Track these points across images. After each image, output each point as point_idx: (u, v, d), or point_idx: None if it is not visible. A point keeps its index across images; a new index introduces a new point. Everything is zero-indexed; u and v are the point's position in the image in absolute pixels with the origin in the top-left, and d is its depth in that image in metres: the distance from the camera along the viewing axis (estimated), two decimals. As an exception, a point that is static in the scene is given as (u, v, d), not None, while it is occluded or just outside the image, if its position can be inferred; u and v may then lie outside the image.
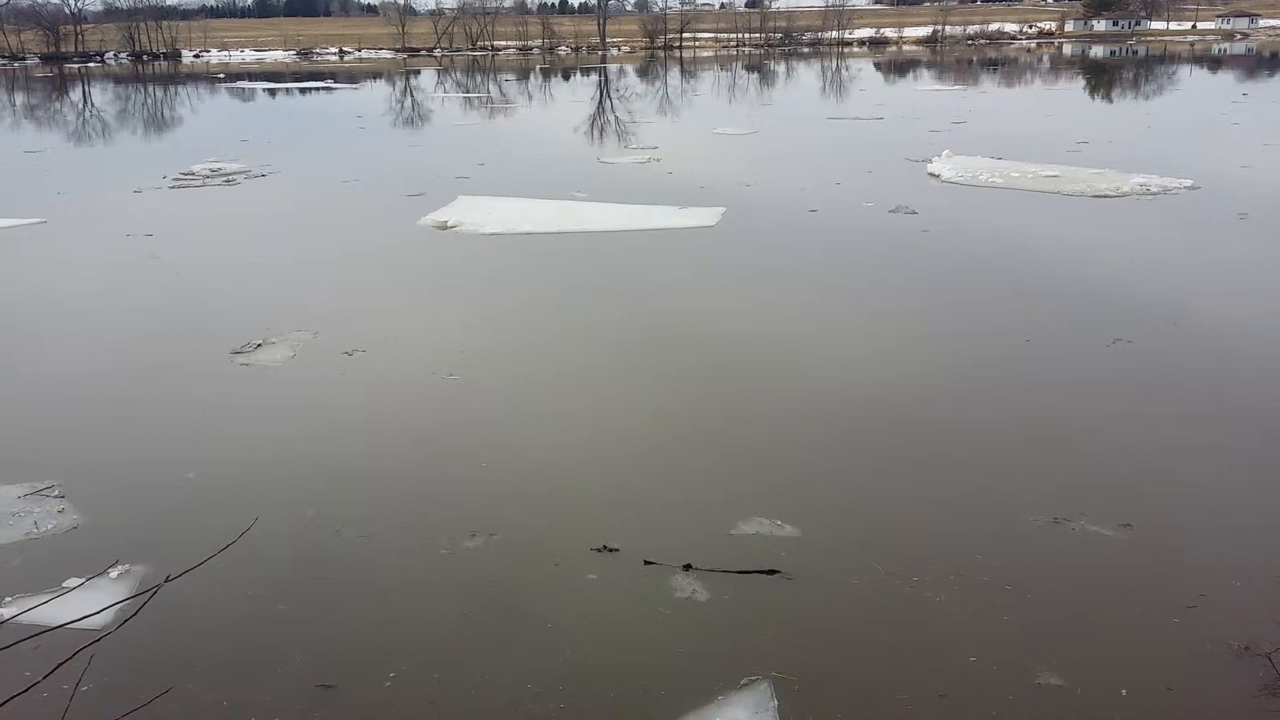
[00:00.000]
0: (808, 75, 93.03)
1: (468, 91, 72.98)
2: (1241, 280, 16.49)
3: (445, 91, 73.30)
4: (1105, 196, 24.15)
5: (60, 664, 3.19)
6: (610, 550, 8.00)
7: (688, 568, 7.72)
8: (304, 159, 34.08)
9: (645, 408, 11.29)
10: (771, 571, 7.65)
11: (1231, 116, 42.62)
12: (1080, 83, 76.07)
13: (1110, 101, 58.82)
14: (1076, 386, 11.68)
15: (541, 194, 25.31)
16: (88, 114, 55.37)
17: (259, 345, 13.41)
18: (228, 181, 27.80)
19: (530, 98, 67.01)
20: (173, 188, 26.99)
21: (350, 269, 18.12)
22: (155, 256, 19.06)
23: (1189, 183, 25.15)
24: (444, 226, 21.91)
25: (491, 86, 79.86)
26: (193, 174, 28.58)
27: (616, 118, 48.52)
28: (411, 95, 70.55)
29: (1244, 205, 22.67)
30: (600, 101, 61.52)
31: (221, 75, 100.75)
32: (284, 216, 23.40)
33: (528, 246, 20.01)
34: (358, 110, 54.52)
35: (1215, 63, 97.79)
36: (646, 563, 7.81)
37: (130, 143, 42.08)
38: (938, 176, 27.31)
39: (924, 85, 71.96)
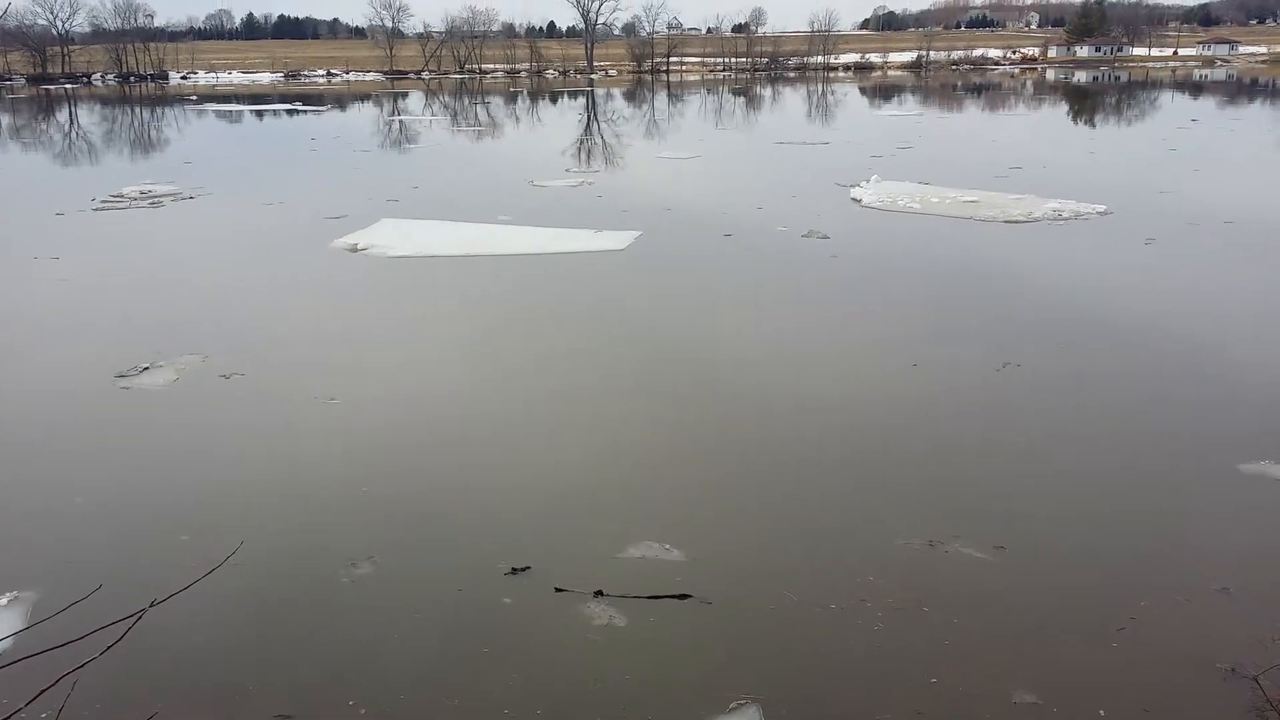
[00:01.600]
0: (781, 99, 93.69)
1: (432, 114, 73.33)
2: (1131, 305, 16.68)
3: (409, 114, 73.63)
4: (1016, 222, 24.41)
5: (43, 690, 3.15)
6: (519, 571, 8.03)
7: (598, 594, 7.70)
8: (239, 181, 34.27)
9: (527, 429, 11.37)
10: (683, 596, 7.67)
11: (1172, 142, 43.03)
12: (1042, 108, 76.66)
13: (1061, 127, 59.23)
14: (960, 411, 11.83)
15: (466, 217, 25.53)
16: (40, 136, 55.53)
17: (145, 369, 13.52)
18: (153, 204, 28.01)
19: (494, 120, 67.36)
20: (97, 210, 27.19)
21: (251, 292, 18.28)
22: (64, 279, 19.21)
23: (1102, 208, 25.43)
24: (354, 249, 22.10)
25: (460, 109, 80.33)
26: (121, 196, 28.80)
27: (566, 141, 48.83)
28: (374, 118, 70.85)
29: (1153, 230, 22.92)
30: (557, 125, 61.87)
31: (194, 97, 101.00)
32: (196, 239, 23.57)
33: (431, 270, 20.21)
34: (315, 133, 54.79)
35: (1189, 88, 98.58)
36: (557, 590, 7.75)
37: (71, 165, 42.27)
38: (859, 202, 27.57)
39: (886, 110, 72.35)
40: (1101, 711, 6.44)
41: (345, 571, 8.12)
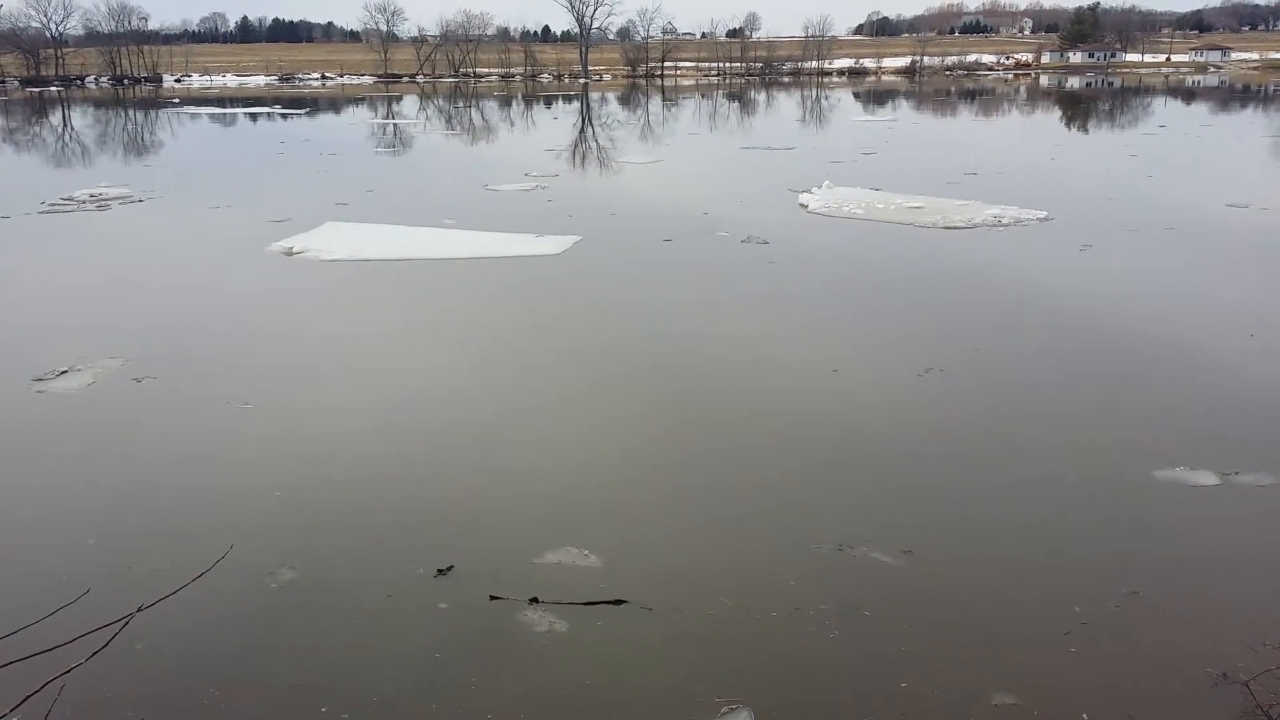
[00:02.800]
0: (765, 104, 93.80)
1: (412, 118, 73.37)
2: (1057, 311, 16.76)
3: (388, 118, 73.68)
4: (955, 228, 24.48)
5: (29, 696, 3.12)
6: (443, 572, 8.09)
7: (534, 601, 7.71)
8: (194, 185, 34.33)
9: (441, 434, 11.43)
10: (619, 602, 7.70)
11: (1135, 149, 43.13)
12: (1022, 113, 76.79)
13: (1031, 132, 59.29)
14: (880, 416, 11.90)
15: (411, 221, 25.63)
16: (6, 138, 55.53)
17: (63, 372, 13.57)
18: (100, 208, 28.12)
19: (470, 124, 67.43)
20: (43, 213, 27.29)
21: (179, 295, 18.32)
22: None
23: (1043, 214, 25.51)
24: (289, 253, 22.20)
25: (441, 113, 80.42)
26: (71, 200, 28.89)
27: (534, 145, 48.91)
28: (351, 122, 70.88)
29: (1091, 236, 23.00)
30: (531, 130, 61.94)
31: (176, 100, 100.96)
32: (134, 243, 23.69)
33: (360, 274, 20.30)
34: (287, 136, 54.88)
35: (1177, 94, 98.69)
36: (492, 598, 7.76)
37: (30, 167, 42.39)
38: (806, 208, 27.65)
39: (861, 116, 72.37)
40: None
41: (268, 580, 8.11)
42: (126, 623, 3.14)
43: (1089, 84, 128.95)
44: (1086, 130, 58.81)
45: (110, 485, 10.18)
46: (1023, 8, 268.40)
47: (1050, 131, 58.41)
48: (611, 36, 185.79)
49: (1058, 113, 76.01)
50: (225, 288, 18.92)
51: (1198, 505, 9.47)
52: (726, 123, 67.70)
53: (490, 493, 9.85)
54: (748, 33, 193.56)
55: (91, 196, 29.01)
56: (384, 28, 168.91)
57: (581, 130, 59.96)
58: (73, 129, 62.13)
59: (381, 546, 8.71)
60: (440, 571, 8.12)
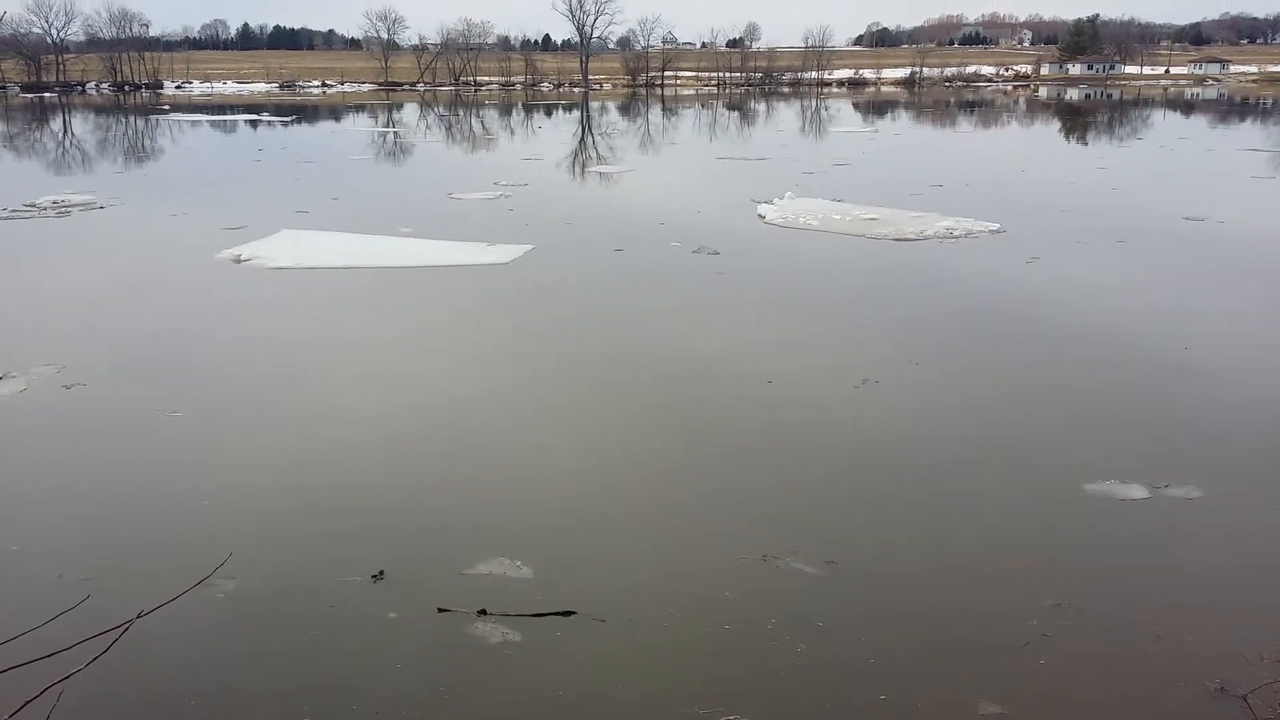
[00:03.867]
0: (757, 114, 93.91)
1: (397, 126, 73.50)
2: (996, 324, 16.92)
3: (376, 126, 73.82)
4: (906, 240, 24.57)
5: (28, 701, 3.12)
6: (377, 578, 8.21)
7: (482, 613, 7.76)
8: (160, 192, 34.53)
9: (366, 444, 11.51)
10: (568, 613, 7.74)
11: (1105, 161, 43.20)
12: (1007, 125, 76.80)
13: (1008, 144, 59.28)
14: (815, 427, 12.01)
15: (367, 229, 25.77)
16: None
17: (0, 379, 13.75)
18: (60, 214, 28.30)
19: (456, 132, 67.53)
20: (4, 219, 27.44)
21: (123, 303, 18.44)
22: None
23: (995, 226, 25.59)
24: (237, 260, 22.33)
25: (428, 122, 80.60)
26: (33, 206, 29.06)
27: (510, 154, 49.02)
28: (336, 130, 70.95)
29: (1041, 249, 23.08)
30: (512, 138, 62.01)
31: (166, 107, 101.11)
32: (88, 249, 23.86)
33: (304, 282, 20.44)
34: (267, 144, 54.98)
35: (1173, 107, 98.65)
36: (440, 610, 7.80)
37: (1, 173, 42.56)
38: (764, 218, 27.75)
39: (843, 126, 72.36)
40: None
41: (209, 586, 8.16)
42: (127, 629, 3.19)
43: (1087, 96, 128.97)
44: (1066, 142, 58.83)
45: (15, 493, 10.26)
46: (1022, 19, 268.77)
47: (1028, 143, 58.51)
48: (612, 46, 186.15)
49: (1042, 125, 76.11)
50: (166, 296, 19.04)
51: (1128, 517, 9.56)
52: (711, 132, 67.85)
53: (420, 503, 9.90)
54: (748, 43, 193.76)
55: (54, 203, 29.19)
56: (385, 35, 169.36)
57: (566, 139, 60.12)
58: (56, 135, 62.29)
59: (313, 555, 8.79)
60: (375, 577, 8.21)
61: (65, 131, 65.69)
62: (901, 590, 8.22)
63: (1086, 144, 57.06)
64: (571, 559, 8.73)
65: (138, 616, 3.42)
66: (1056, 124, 76.17)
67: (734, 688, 6.96)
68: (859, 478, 10.55)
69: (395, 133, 64.89)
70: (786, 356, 14.97)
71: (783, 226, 26.60)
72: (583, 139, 59.98)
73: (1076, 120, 79.51)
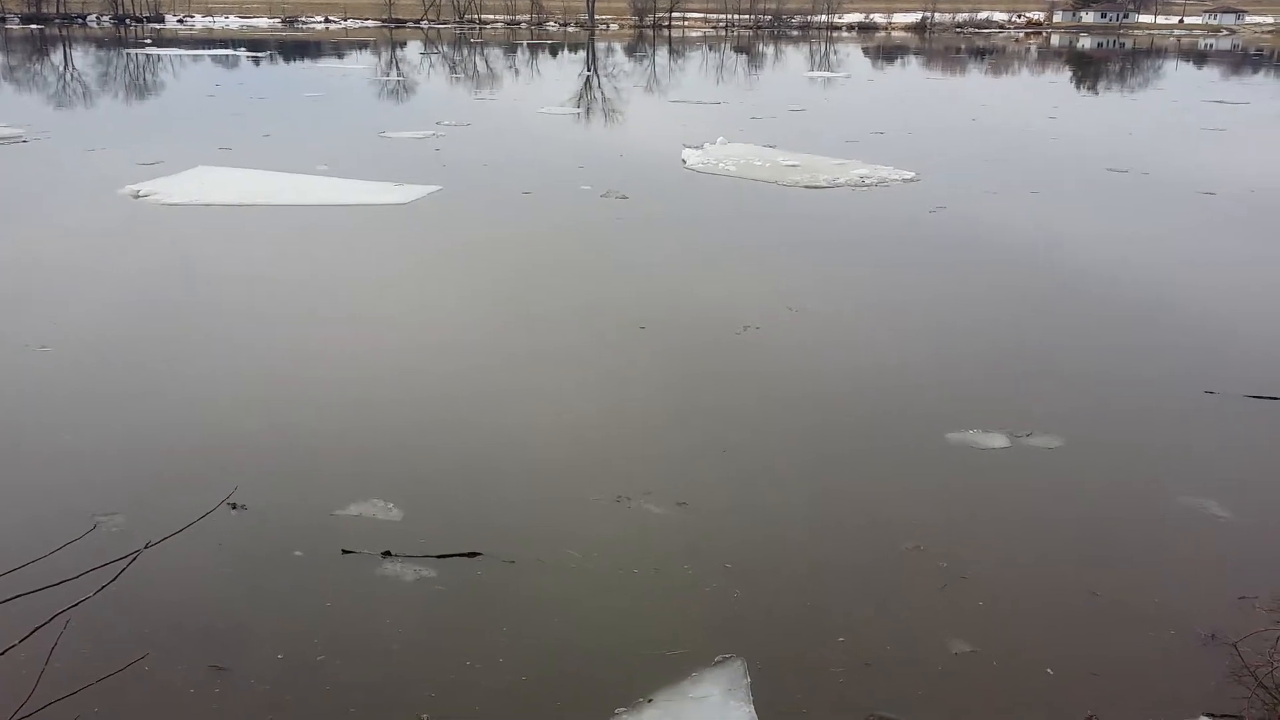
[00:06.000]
0: (751, 59, 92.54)
1: (373, 63, 72.53)
2: (879, 273, 16.91)
3: (351, 64, 72.81)
4: (817, 187, 24.37)
5: (36, 628, 3.17)
6: (237, 508, 8.30)
7: (387, 554, 7.87)
8: (90, 126, 34.36)
9: (224, 378, 11.64)
10: (473, 554, 7.88)
11: (1056, 111, 42.50)
12: (990, 72, 75.41)
13: (974, 92, 58.00)
14: (692, 374, 12.10)
15: (284, 167, 25.68)
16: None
17: None
18: (-22, 146, 28.29)
19: (426, 71, 66.50)
20: (-82, 151, 27.50)
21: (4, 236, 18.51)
22: None
23: (911, 175, 25.35)
24: (136, 196, 22.33)
25: (410, 60, 79.67)
26: (-45, 137, 29.08)
27: (463, 92, 48.37)
28: (305, 68, 70.02)
29: (950, 198, 22.88)
30: (479, 77, 61.18)
31: (149, 40, 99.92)
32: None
33: (191, 218, 20.50)
34: (228, 80, 54.33)
35: (1176, 57, 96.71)
36: (345, 551, 7.90)
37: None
38: (685, 163, 27.52)
39: (815, 72, 71.07)
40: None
41: (95, 524, 8.20)
42: (134, 559, 3.21)
43: (1100, 45, 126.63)
44: (1029, 90, 57.54)
45: None
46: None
47: (995, 92, 57.41)
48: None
49: (1029, 74, 74.69)
50: (51, 229, 19.13)
51: (982, 465, 9.76)
52: (684, 75, 66.79)
53: (282, 443, 10.01)
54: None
55: (-24, 136, 29.16)
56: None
57: (528, 80, 59.31)
58: (10, 69, 61.60)
59: (177, 493, 8.83)
60: (233, 506, 8.32)
61: (23, 65, 65.10)
62: (754, 533, 8.39)
63: (1048, 92, 55.99)
64: (439, 501, 8.84)
65: (145, 546, 3.44)
66: (1043, 73, 74.80)
67: (676, 624, 7.15)
68: (727, 423, 10.61)
69: (365, 70, 64.23)
70: (667, 302, 14.96)
71: (700, 172, 26.40)
72: (553, 79, 59.27)
73: (1066, 69, 78.09)
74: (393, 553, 7.86)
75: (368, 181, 24.09)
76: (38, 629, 3.14)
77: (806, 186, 24.37)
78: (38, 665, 3.47)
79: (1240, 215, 21.85)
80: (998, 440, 10.27)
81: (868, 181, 24.79)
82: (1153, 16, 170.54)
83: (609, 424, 10.67)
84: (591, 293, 15.47)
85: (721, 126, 34.69)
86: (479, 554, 7.87)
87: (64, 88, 47.75)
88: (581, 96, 46.21)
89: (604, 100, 45.53)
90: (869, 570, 7.86)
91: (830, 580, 7.74)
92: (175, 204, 21.70)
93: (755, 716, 6.24)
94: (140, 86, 48.51)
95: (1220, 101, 44.78)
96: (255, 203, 22.00)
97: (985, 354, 12.99)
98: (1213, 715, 6.27)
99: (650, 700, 6.36)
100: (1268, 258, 18.28)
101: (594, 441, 10.23)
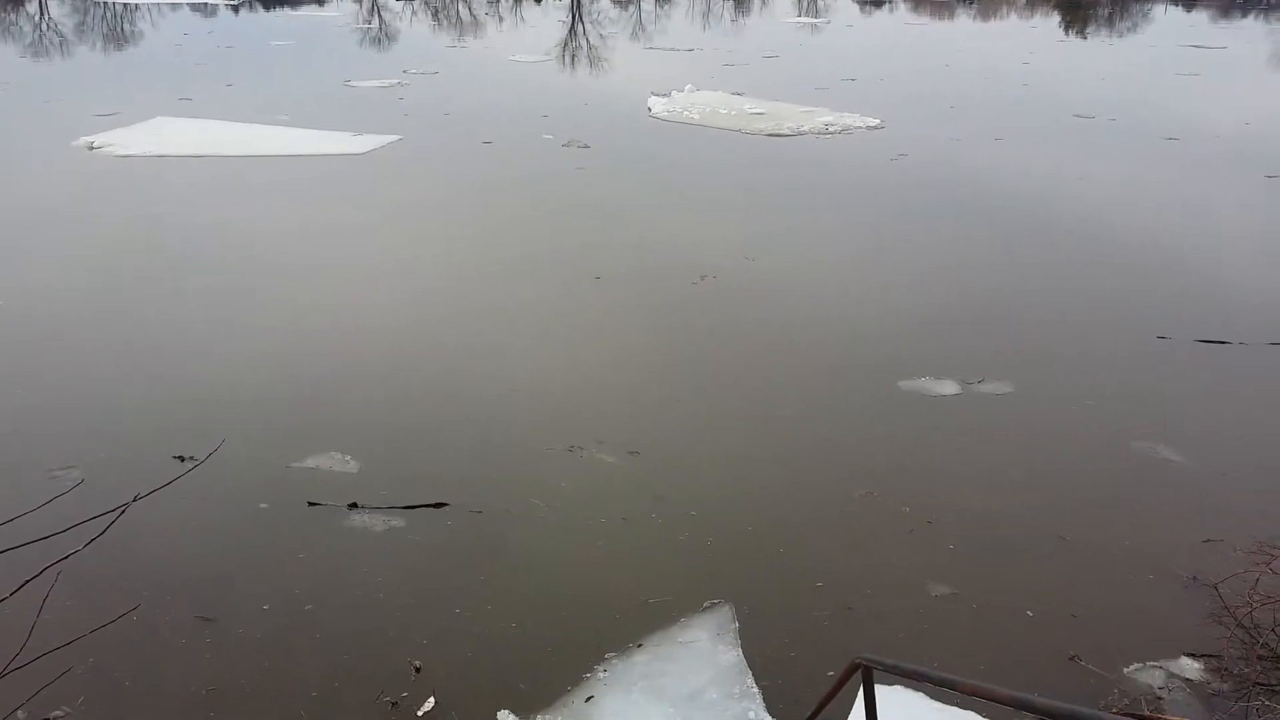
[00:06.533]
0: (734, 4, 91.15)
1: (354, 11, 71.30)
2: (835, 222, 16.86)
3: (323, 9, 71.43)
4: (780, 135, 24.20)
5: (27, 581, 3.15)
6: (185, 460, 8.32)
7: (354, 506, 7.93)
8: (52, 75, 33.71)
9: (166, 332, 11.63)
10: (439, 505, 7.97)
11: (1030, 56, 42.14)
12: (980, 18, 74.51)
13: (955, 38, 57.17)
14: (642, 326, 12.12)
15: (244, 117, 25.35)
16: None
17: None
18: (-69, 96, 27.84)
19: (412, 18, 65.41)
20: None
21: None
22: None
23: (876, 122, 25.17)
24: (91, 148, 22.05)
25: (388, 7, 78.30)
26: (-87, 88, 28.57)
27: (434, 41, 47.52)
28: (283, 17, 68.65)
29: (912, 146, 22.75)
30: (454, 22, 60.20)
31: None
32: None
33: (137, 169, 20.25)
34: (194, 29, 53.16)
35: (1178, 3, 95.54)
36: (311, 504, 7.96)
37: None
38: (649, 111, 27.27)
39: (792, 17, 70.02)
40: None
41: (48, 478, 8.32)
42: (123, 511, 3.17)
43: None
44: (1016, 36, 56.93)
45: None
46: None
47: (975, 37, 56.59)
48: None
49: (1018, 18, 73.80)
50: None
51: (934, 411, 9.92)
52: (667, 23, 65.74)
53: (232, 396, 10.02)
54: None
55: (-69, 86, 28.65)
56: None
57: (516, 26, 58.40)
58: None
59: (123, 446, 8.89)
60: (180, 458, 8.38)
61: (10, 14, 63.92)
62: (711, 481, 8.54)
63: (1031, 39, 55.37)
64: (407, 455, 8.90)
65: (134, 500, 3.42)
66: (1030, 18, 73.95)
67: (655, 571, 7.30)
68: (681, 373, 10.70)
69: (343, 18, 63.13)
70: (623, 253, 14.92)
71: (665, 121, 26.17)
72: (535, 27, 58.31)
73: (1054, 15, 77.22)
74: (359, 504, 7.93)
75: (327, 131, 23.83)
76: (27, 582, 3.16)
77: (770, 135, 24.19)
78: (26, 619, 3.46)
79: (1201, 161, 21.81)
80: (949, 387, 10.40)
81: (832, 129, 24.61)
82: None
83: (561, 374, 10.72)
84: (546, 244, 15.42)
85: (693, 74, 34.31)
86: (445, 504, 7.95)
87: (29, 38, 46.88)
88: (557, 44, 45.55)
89: (578, 48, 44.92)
90: (834, 517, 8.02)
91: (798, 527, 7.89)
92: (128, 155, 21.45)
93: (744, 660, 6.36)
94: (107, 36, 47.53)
95: (1197, 46, 44.39)
96: (209, 153, 21.76)
97: (940, 301, 13.02)
98: (1193, 655, 6.41)
99: (640, 645, 6.48)
100: (1223, 202, 18.30)
101: (547, 392, 10.27)
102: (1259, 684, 6.12)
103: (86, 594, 6.79)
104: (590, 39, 49.19)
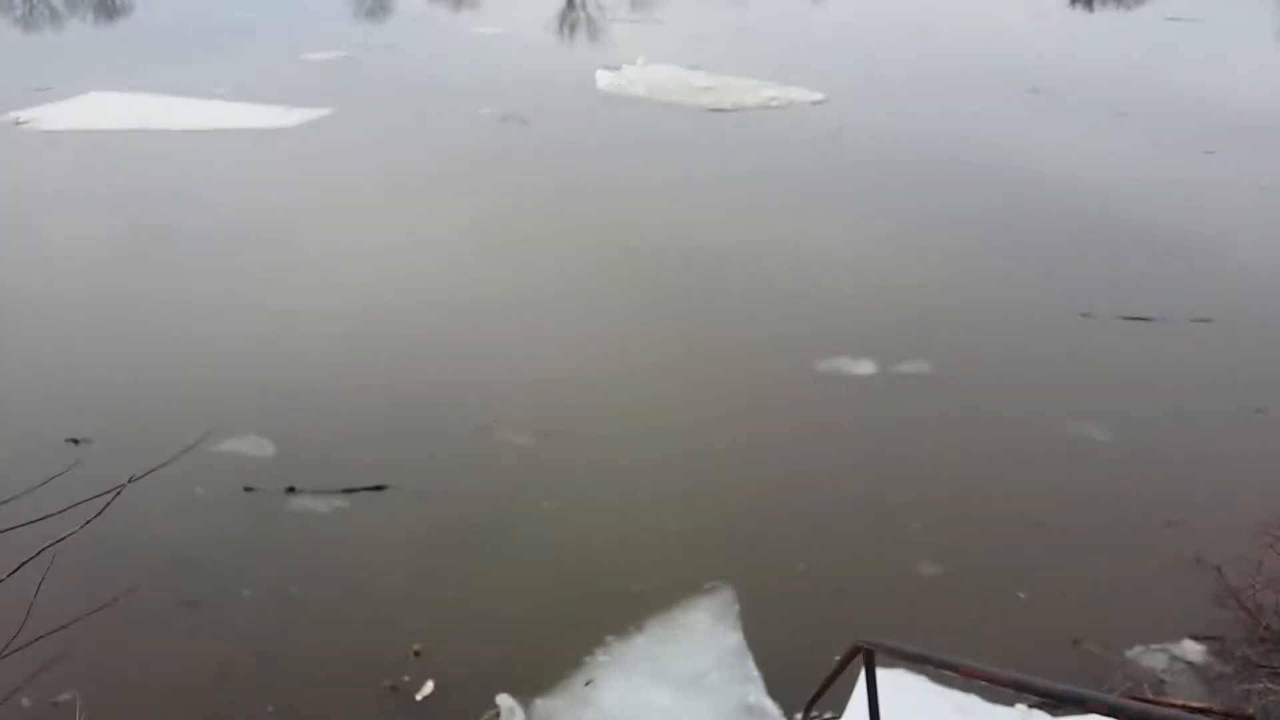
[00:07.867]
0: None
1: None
2: (758, 199, 16.70)
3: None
4: (721, 110, 23.88)
5: (23, 563, 3.17)
6: (80, 442, 8.29)
7: (291, 490, 7.83)
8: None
9: (70, 312, 11.64)
10: (380, 488, 7.89)
11: (1006, 28, 41.55)
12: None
13: (923, 9, 56.31)
14: (559, 305, 12.08)
15: (184, 91, 25.06)
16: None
17: None
18: None
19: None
20: None
21: None
22: None
23: (819, 97, 24.82)
24: (17, 123, 21.80)
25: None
26: None
27: (402, 12, 46.87)
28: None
29: (852, 121, 22.48)
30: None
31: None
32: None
33: (65, 145, 20.08)
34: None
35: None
36: (247, 489, 7.88)
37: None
38: (596, 85, 26.92)
39: None
40: None
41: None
42: (119, 493, 3.24)
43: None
44: (1000, 15, 56.17)
45: None
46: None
47: (944, 7, 55.76)
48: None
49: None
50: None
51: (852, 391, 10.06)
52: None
53: (141, 379, 9.98)
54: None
55: None
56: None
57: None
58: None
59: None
60: (74, 441, 8.29)
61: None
62: (639, 467, 8.66)
63: (1009, 8, 54.62)
64: (329, 438, 8.88)
65: (129, 481, 3.45)
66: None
67: (639, 555, 7.41)
68: (594, 355, 10.71)
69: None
70: (550, 226, 14.87)
71: (610, 94, 25.88)
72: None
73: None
74: (296, 488, 7.84)
75: (262, 105, 23.56)
76: (24, 563, 3.16)
77: (711, 109, 23.87)
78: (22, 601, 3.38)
79: (1147, 137, 21.45)
80: (866, 367, 10.48)
81: (774, 104, 24.26)
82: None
83: (472, 356, 10.67)
84: (467, 217, 15.35)
85: (651, 47, 33.81)
86: (385, 487, 7.84)
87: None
88: (528, 17, 44.93)
89: (543, 20, 44.23)
90: (795, 501, 8.05)
91: (745, 511, 7.97)
92: (54, 130, 21.20)
93: (745, 643, 6.47)
94: (53, 7, 47.09)
95: (1175, 19, 43.65)
96: (138, 128, 21.54)
97: (864, 281, 12.93)
98: (1195, 637, 6.43)
99: (640, 628, 6.58)
100: (1156, 179, 18.03)
101: (456, 372, 10.28)
102: (1261, 666, 6.07)
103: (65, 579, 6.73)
104: (566, 12, 48.57)
